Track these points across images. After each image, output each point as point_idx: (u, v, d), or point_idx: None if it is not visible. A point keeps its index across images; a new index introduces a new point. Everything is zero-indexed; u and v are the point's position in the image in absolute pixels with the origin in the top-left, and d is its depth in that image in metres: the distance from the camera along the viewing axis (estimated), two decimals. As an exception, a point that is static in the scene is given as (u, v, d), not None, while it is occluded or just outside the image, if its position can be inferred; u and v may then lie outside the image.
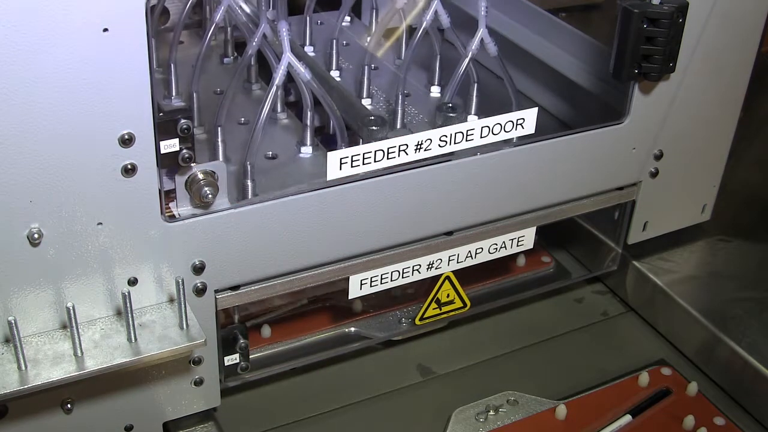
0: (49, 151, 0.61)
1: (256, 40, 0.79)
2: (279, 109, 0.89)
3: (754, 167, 1.18)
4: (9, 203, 0.62)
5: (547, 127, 0.90)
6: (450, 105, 0.87)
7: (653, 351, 0.94)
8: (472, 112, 0.89)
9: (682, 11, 0.81)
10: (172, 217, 0.70)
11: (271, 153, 0.83)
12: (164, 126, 0.65)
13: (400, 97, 0.88)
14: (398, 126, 0.88)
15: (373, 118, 0.82)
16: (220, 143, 0.81)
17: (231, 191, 0.74)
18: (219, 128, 0.80)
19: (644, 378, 0.87)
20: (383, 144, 0.75)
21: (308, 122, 0.82)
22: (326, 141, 0.87)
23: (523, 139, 0.83)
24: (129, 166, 0.65)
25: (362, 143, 0.79)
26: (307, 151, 0.83)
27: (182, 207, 0.71)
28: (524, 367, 0.91)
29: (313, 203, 0.75)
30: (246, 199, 0.75)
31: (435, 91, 0.97)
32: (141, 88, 0.62)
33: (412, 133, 0.77)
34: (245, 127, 0.87)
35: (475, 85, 0.89)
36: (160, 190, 0.67)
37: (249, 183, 0.76)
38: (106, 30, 0.60)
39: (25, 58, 0.58)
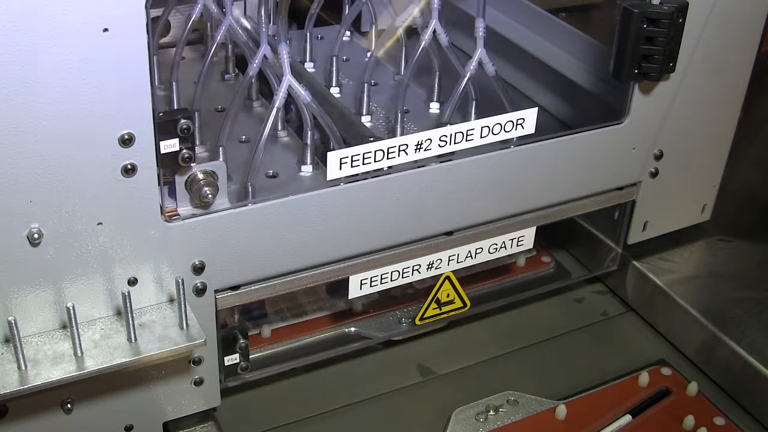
0: (49, 151, 0.61)
1: (256, 62, 0.80)
2: (279, 128, 0.90)
3: (754, 167, 1.18)
4: (9, 203, 0.62)
5: (547, 127, 0.90)
6: (449, 125, 0.88)
7: (653, 351, 0.94)
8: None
9: (682, 11, 0.81)
10: (172, 217, 0.70)
11: (271, 172, 0.83)
12: (164, 126, 0.65)
13: (400, 114, 0.88)
14: None
15: (372, 138, 0.82)
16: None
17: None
18: (221, 148, 0.81)
19: (644, 378, 0.87)
20: (383, 144, 0.75)
21: (308, 141, 0.82)
22: (326, 159, 0.87)
23: (523, 139, 0.83)
24: (129, 166, 0.65)
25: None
26: (307, 169, 0.83)
27: (182, 207, 0.71)
28: (524, 367, 0.91)
29: (313, 203, 0.75)
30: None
31: (434, 108, 0.98)
32: (141, 88, 0.62)
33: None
34: (246, 146, 0.87)
35: (474, 103, 0.89)
36: (160, 190, 0.67)
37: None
38: (106, 30, 0.60)
39: (25, 58, 0.58)
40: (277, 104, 0.78)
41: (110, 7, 0.59)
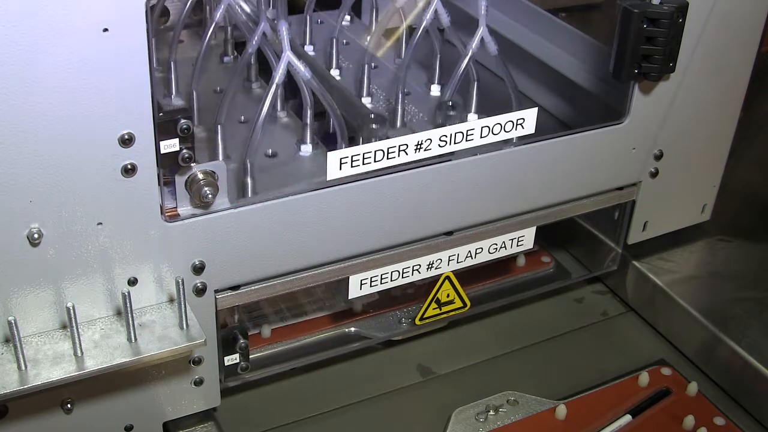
0: (49, 151, 0.61)
1: (255, 39, 0.79)
2: (279, 108, 0.89)
3: (754, 167, 1.18)
4: (9, 203, 0.62)
5: (547, 127, 0.90)
6: (450, 104, 0.87)
7: (653, 351, 0.94)
8: (472, 110, 0.89)
9: (682, 11, 0.81)
10: (172, 217, 0.70)
11: (270, 151, 0.83)
12: (164, 126, 0.65)
13: (400, 95, 0.88)
14: (398, 125, 0.88)
15: (373, 116, 0.82)
16: (220, 141, 0.81)
17: (231, 189, 0.74)
18: (219, 127, 0.80)
19: (644, 378, 0.87)
20: (383, 144, 0.75)
21: (308, 121, 0.82)
22: (326, 139, 0.87)
23: (523, 139, 0.83)
24: (129, 166, 0.65)
25: (362, 141, 0.79)
26: (306, 149, 0.83)
27: (182, 207, 0.71)
28: (524, 367, 0.91)
29: (313, 203, 0.75)
30: (245, 197, 0.75)
31: (435, 90, 0.97)
32: (141, 88, 0.62)
33: (412, 131, 0.77)
34: (245, 126, 0.87)
35: (475, 83, 0.89)
36: (160, 190, 0.67)
37: (249, 181, 0.76)
38: (106, 30, 0.60)
39: (25, 58, 0.58)
40: (276, 80, 0.77)
41: (110, 7, 0.59)
